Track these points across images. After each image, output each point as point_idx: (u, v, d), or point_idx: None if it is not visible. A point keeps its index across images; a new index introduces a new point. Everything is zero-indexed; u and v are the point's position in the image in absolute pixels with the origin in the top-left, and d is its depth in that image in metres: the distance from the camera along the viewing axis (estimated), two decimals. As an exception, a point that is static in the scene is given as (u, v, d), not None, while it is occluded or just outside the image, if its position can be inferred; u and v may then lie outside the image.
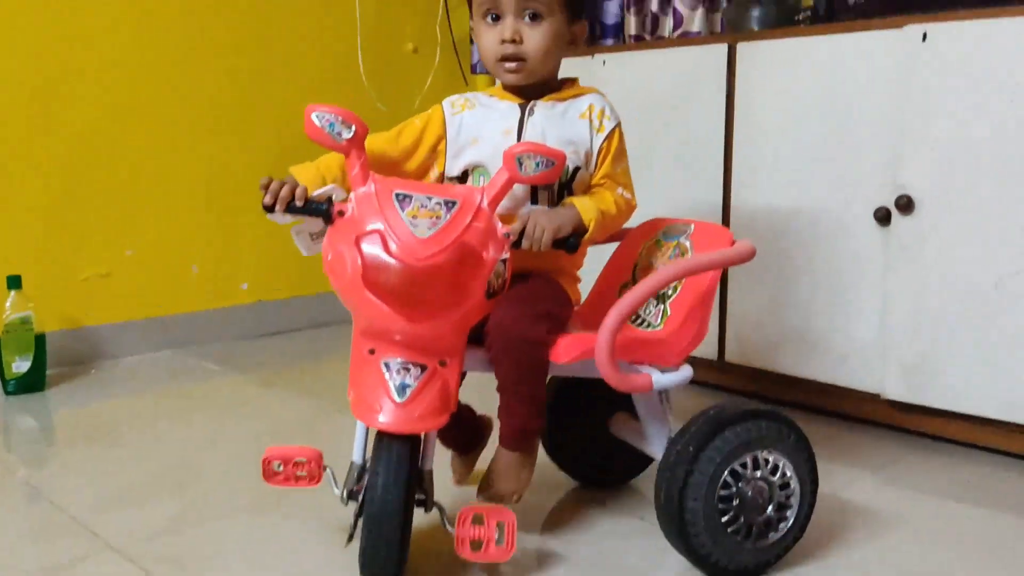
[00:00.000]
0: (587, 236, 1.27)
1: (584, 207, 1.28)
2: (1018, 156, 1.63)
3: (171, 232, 2.61)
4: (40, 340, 2.23)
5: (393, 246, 1.09)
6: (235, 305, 2.75)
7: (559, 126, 1.33)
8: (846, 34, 1.83)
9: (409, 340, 1.15)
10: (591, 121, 1.35)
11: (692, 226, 1.42)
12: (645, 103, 2.20)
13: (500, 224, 1.19)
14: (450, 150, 1.35)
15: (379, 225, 1.11)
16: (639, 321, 1.36)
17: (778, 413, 1.31)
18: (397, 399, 1.14)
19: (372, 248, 1.09)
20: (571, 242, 1.24)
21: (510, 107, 1.35)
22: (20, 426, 2.06)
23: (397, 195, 1.14)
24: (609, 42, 2.78)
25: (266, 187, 1.18)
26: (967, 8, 1.68)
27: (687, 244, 1.39)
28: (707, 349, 2.13)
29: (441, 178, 1.36)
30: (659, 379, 1.26)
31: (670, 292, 1.34)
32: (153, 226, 2.58)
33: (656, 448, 1.40)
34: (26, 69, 2.34)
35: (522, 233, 1.20)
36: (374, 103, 2.96)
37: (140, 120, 2.53)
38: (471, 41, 3.11)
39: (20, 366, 2.20)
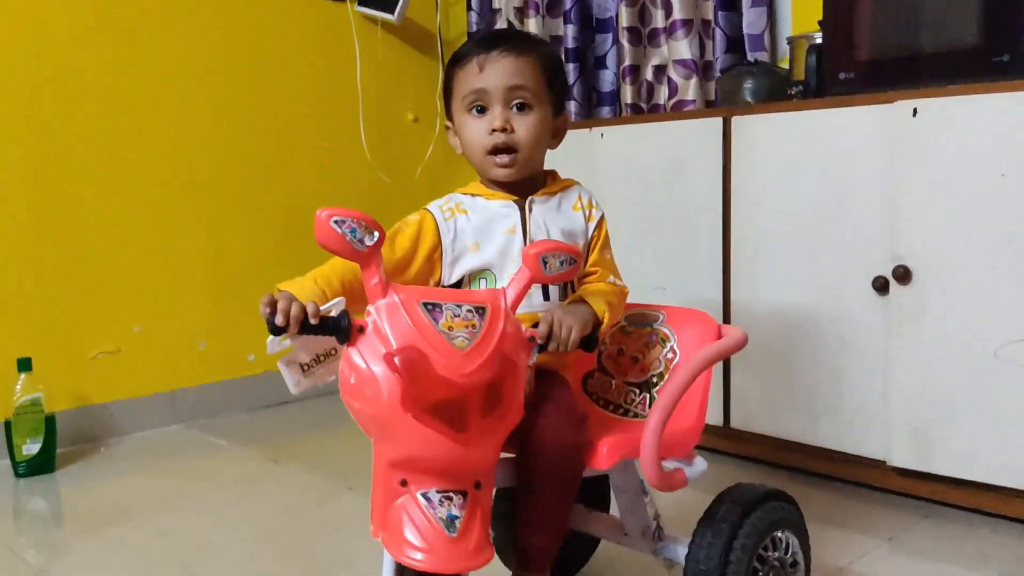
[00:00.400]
0: (603, 329, 1.24)
1: (594, 301, 1.25)
2: (1011, 227, 1.66)
3: (178, 307, 2.64)
4: (50, 421, 2.24)
5: (435, 362, 0.99)
6: (242, 377, 2.77)
7: (558, 220, 1.31)
8: (838, 108, 1.88)
9: (446, 465, 1.04)
10: (584, 211, 1.34)
11: (663, 312, 1.40)
12: (643, 175, 2.25)
13: (524, 327, 1.13)
14: (447, 257, 1.27)
15: (414, 339, 1.01)
16: (623, 411, 1.36)
17: (783, 492, 1.34)
18: (449, 534, 1.03)
19: (411, 366, 0.98)
20: (593, 338, 1.20)
21: (505, 205, 1.30)
22: (31, 509, 2.07)
23: (425, 305, 1.05)
24: (606, 110, 2.84)
25: (271, 306, 1.05)
26: (954, 84, 1.73)
27: (666, 331, 1.38)
28: (713, 415, 2.15)
29: (438, 286, 1.30)
30: (690, 472, 1.25)
31: (655, 380, 1.34)
32: (161, 302, 2.61)
33: (637, 538, 1.39)
34: (31, 148, 2.39)
35: (548, 335, 1.14)
36: (377, 174, 3.01)
37: (146, 197, 2.58)
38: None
39: (30, 448, 2.22)
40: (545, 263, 1.11)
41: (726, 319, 2.11)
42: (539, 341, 1.13)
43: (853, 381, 1.91)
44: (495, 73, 1.25)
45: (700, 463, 1.29)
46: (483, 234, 1.28)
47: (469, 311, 1.06)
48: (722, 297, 2.11)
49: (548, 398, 1.18)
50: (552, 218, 1.31)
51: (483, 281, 1.28)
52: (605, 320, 1.24)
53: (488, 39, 1.29)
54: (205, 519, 1.94)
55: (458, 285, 1.29)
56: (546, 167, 1.37)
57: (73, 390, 2.45)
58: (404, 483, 1.05)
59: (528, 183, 1.31)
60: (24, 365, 2.23)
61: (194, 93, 2.66)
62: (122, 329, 2.54)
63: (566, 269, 1.13)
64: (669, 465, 1.27)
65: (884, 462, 1.88)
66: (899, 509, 1.86)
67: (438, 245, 1.27)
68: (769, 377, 2.05)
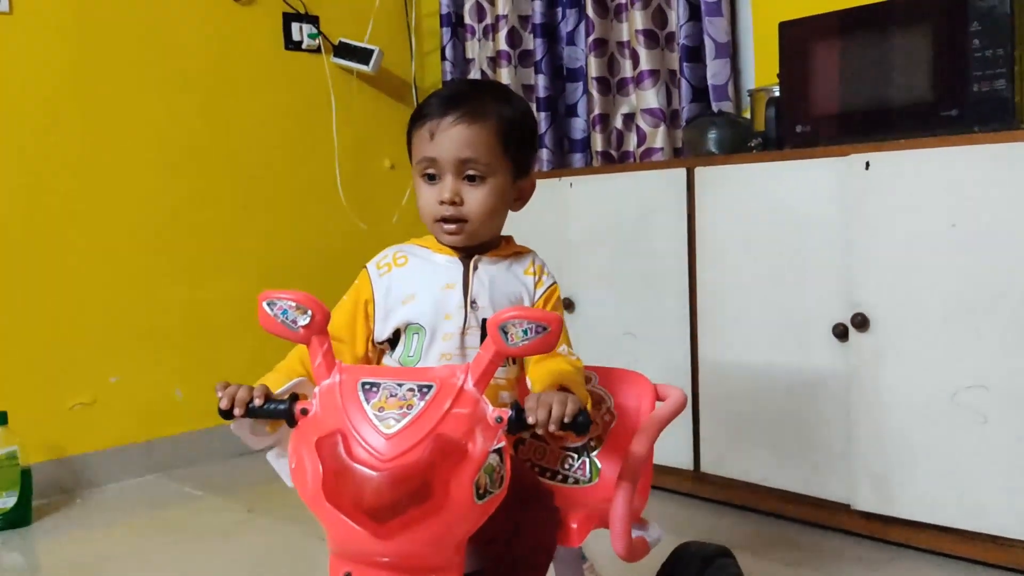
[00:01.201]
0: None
1: (573, 387, 1.13)
2: (963, 275, 1.71)
3: (155, 356, 2.66)
4: (26, 475, 2.25)
5: (355, 447, 0.93)
6: (219, 425, 2.75)
7: (505, 280, 1.25)
8: (796, 161, 1.94)
9: (378, 560, 0.96)
10: (534, 276, 1.28)
11: (595, 374, 1.36)
12: (612, 223, 2.30)
13: (491, 408, 1.00)
14: (379, 312, 1.23)
15: (340, 423, 0.95)
16: (561, 478, 1.32)
17: (726, 547, 1.35)
18: None
19: (331, 451, 0.93)
20: (580, 421, 1.01)
21: (450, 261, 1.24)
22: (6, 564, 2.07)
23: (363, 384, 0.99)
24: (577, 157, 2.90)
25: (222, 391, 1.07)
26: (906, 137, 1.78)
27: (600, 392, 1.34)
28: (683, 459, 2.18)
29: (372, 343, 1.25)
30: (651, 539, 1.24)
31: (593, 444, 1.32)
32: (137, 351, 2.63)
33: None
34: (3, 201, 2.42)
35: (520, 416, 1.00)
36: (354, 221, 3.05)
37: (122, 246, 2.61)
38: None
39: (6, 502, 2.22)
40: (506, 333, 0.97)
41: (693, 365, 2.15)
42: (504, 425, 0.99)
43: (817, 426, 1.95)
44: (446, 143, 1.19)
45: (655, 529, 1.27)
46: (419, 286, 1.23)
47: (410, 390, 0.98)
48: (689, 343, 2.15)
49: (516, 478, 1.07)
50: (498, 278, 1.25)
51: (415, 336, 1.22)
52: (589, 405, 1.15)
53: (445, 101, 1.22)
54: (182, 572, 1.95)
55: (395, 339, 1.23)
56: (518, 219, 1.32)
57: (49, 442, 2.46)
58: None
59: (480, 245, 1.27)
60: (0, 419, 2.24)
61: (170, 143, 2.70)
62: (98, 379, 2.56)
63: (532, 339, 0.97)
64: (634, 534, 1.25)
65: (848, 505, 1.91)
66: (864, 552, 1.89)
67: (371, 300, 1.24)
68: (737, 421, 2.09)
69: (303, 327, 1.01)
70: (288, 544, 2.08)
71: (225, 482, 2.56)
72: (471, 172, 1.21)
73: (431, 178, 1.22)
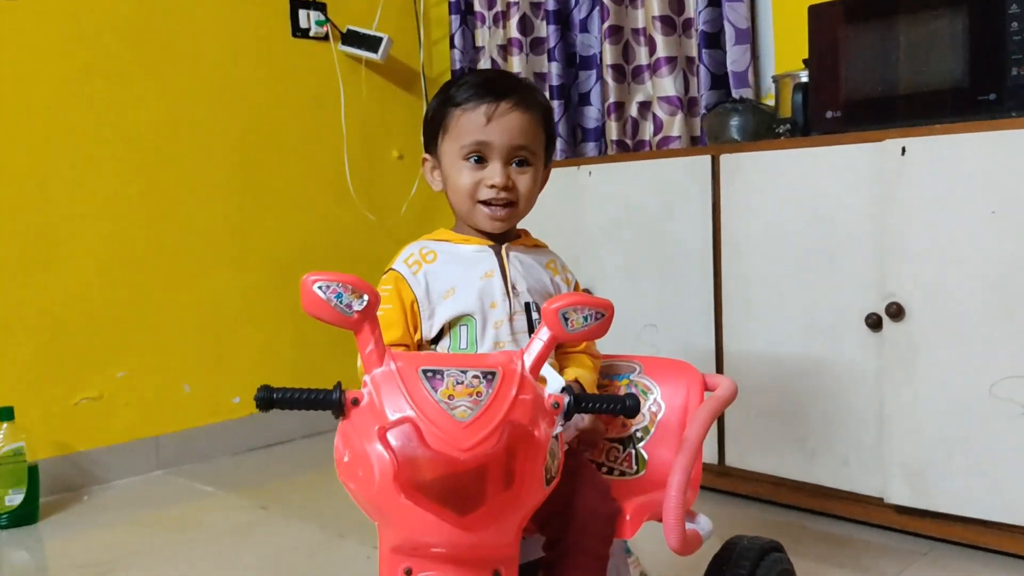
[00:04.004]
0: None
1: (584, 379, 1.22)
2: (1002, 263, 1.67)
3: (162, 351, 2.61)
4: (33, 471, 2.19)
5: (430, 436, 0.90)
6: (227, 420, 2.73)
7: (533, 267, 1.29)
8: (827, 147, 1.89)
9: (457, 552, 0.93)
10: (560, 274, 1.32)
11: (639, 363, 1.35)
12: (632, 212, 2.25)
13: (547, 394, 1.01)
14: (424, 312, 1.22)
15: (409, 411, 0.92)
16: (607, 470, 1.30)
17: (777, 542, 1.31)
18: None
19: (404, 441, 0.89)
20: (629, 404, 1.03)
21: (479, 251, 1.26)
22: (14, 562, 2.02)
23: (425, 372, 0.96)
24: (591, 146, 2.85)
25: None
26: (942, 122, 1.74)
27: (646, 382, 1.33)
28: (708, 453, 2.13)
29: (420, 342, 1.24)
30: (703, 532, 1.19)
31: (640, 435, 1.29)
32: (145, 346, 2.57)
33: None
34: (15, 195, 2.36)
35: (578, 402, 1.02)
36: (362, 212, 3.00)
37: (129, 239, 2.55)
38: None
39: (13, 499, 2.17)
40: (566, 319, 0.99)
41: (719, 357, 2.10)
42: (562, 408, 1.00)
43: (847, 418, 1.90)
44: (502, 129, 1.21)
45: (705, 521, 1.22)
46: (457, 278, 1.23)
47: (475, 377, 0.96)
48: (714, 335, 2.10)
49: (575, 469, 1.10)
50: (528, 268, 1.28)
51: (464, 328, 1.22)
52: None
53: (496, 88, 1.23)
54: (193, 571, 1.90)
55: (439, 337, 1.23)
56: (535, 208, 1.32)
57: (55, 438, 2.40)
58: (409, 572, 0.95)
59: (505, 234, 1.29)
60: (6, 414, 2.18)
61: (177, 134, 2.64)
62: (105, 374, 2.50)
63: (592, 325, 1.00)
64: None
65: (881, 499, 1.87)
66: (899, 547, 1.85)
67: (415, 300, 1.22)
68: (763, 414, 2.04)
69: (358, 312, 0.96)
70: (305, 542, 2.03)
71: (236, 478, 2.51)
72: (521, 157, 1.24)
73: (478, 161, 1.23)
